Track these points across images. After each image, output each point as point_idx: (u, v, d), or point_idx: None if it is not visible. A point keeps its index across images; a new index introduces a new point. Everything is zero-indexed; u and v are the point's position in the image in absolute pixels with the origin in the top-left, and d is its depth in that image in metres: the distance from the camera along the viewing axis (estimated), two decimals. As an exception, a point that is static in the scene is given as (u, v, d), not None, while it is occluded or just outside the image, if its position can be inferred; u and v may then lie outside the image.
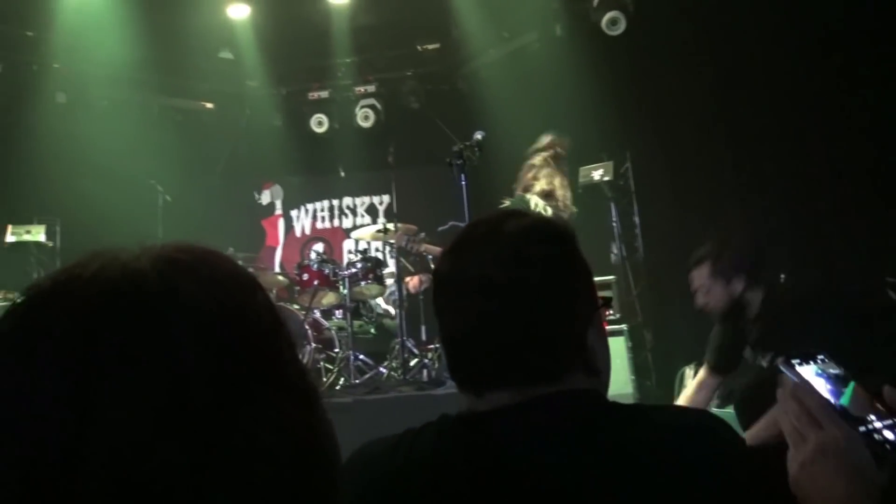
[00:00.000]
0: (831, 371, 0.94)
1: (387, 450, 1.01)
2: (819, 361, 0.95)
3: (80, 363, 0.48)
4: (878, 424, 0.87)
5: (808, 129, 5.14)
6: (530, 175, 4.34)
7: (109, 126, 6.96)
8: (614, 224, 6.02)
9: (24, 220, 6.25)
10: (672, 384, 5.15)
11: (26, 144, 6.55)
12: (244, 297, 0.58)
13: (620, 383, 4.82)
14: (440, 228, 4.30)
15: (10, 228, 6.16)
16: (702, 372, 3.27)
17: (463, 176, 3.68)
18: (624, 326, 5.05)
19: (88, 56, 6.98)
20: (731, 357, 3.15)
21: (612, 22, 5.98)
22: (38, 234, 6.19)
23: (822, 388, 0.91)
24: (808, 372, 0.94)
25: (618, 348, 4.91)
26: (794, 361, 0.95)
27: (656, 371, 5.46)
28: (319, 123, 7.82)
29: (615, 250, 5.94)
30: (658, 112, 6.14)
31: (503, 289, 0.97)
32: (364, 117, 7.71)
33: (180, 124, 7.78)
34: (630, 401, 4.78)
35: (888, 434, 0.86)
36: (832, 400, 0.90)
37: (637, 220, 6.14)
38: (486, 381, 0.98)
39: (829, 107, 5.02)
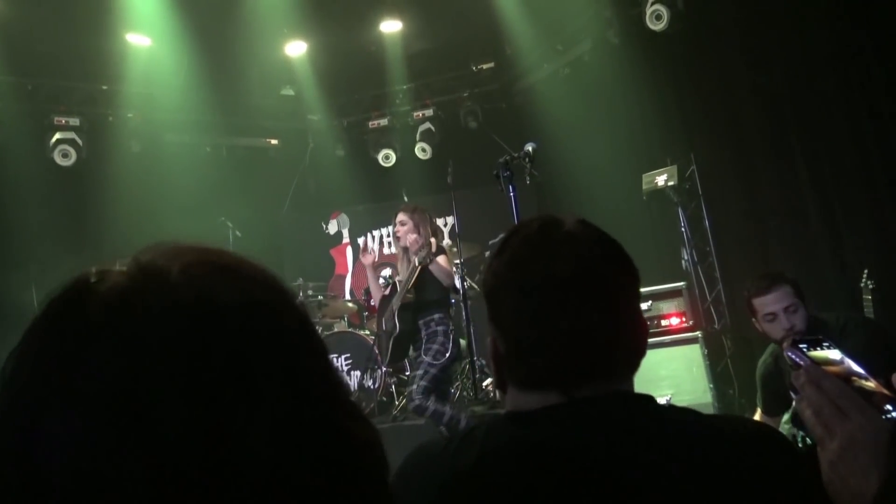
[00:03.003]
0: (834, 357, 0.87)
1: (446, 450, 1.02)
2: (825, 347, 0.88)
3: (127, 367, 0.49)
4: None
5: (883, 124, 4.87)
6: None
7: (180, 169, 7.27)
8: (683, 229, 5.84)
9: (107, 262, 6.53)
10: (755, 391, 4.93)
11: (107, 190, 6.89)
12: (270, 300, 0.57)
13: (699, 392, 4.65)
14: (491, 242, 4.29)
15: (93, 270, 6.44)
16: (757, 415, 3.24)
17: (511, 187, 3.64)
18: (698, 334, 4.87)
19: (158, 104, 7.33)
20: (780, 398, 3.11)
21: (657, 17, 5.85)
22: (119, 276, 6.45)
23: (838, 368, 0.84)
24: (819, 357, 0.88)
25: (693, 356, 4.74)
26: (802, 346, 0.88)
27: (738, 378, 5.24)
28: (386, 157, 7.97)
29: (685, 256, 5.76)
30: (722, 112, 5.96)
31: (603, 285, 1.01)
32: (421, 150, 7.81)
33: (247, 162, 8.05)
34: (710, 410, 4.61)
35: None
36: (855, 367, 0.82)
37: (707, 224, 5.94)
38: (575, 377, 0.99)
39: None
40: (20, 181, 6.51)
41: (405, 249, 4.68)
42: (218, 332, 0.51)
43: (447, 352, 4.43)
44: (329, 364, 0.59)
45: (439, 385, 4.47)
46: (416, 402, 4.31)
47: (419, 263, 4.42)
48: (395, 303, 4.64)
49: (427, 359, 4.41)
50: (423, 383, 4.34)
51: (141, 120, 7.32)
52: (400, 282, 4.76)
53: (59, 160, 6.81)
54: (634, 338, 1.03)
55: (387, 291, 4.93)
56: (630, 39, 6.36)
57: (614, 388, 1.00)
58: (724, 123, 5.94)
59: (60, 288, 0.54)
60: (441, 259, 4.50)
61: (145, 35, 6.83)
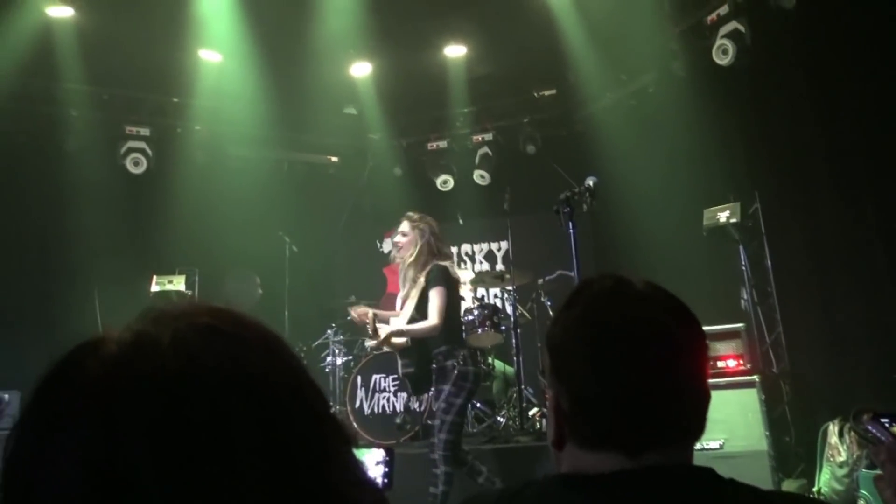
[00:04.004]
0: None
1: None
2: None
3: (101, 442, 0.49)
4: None
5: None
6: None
7: (243, 182, 7.44)
8: (744, 268, 5.69)
9: (167, 270, 6.72)
10: (814, 440, 4.75)
11: (171, 201, 7.09)
12: (267, 363, 0.57)
13: (754, 439, 4.49)
14: (548, 278, 4.21)
15: (154, 278, 6.64)
16: None
17: (571, 224, 3.59)
18: (756, 378, 4.71)
19: (225, 117, 7.53)
20: None
21: (723, 51, 5.77)
22: (179, 283, 6.62)
23: None
24: None
25: (749, 402, 4.59)
26: (884, 420, 0.85)
27: (795, 426, 5.06)
28: (445, 183, 8.01)
29: (745, 296, 5.61)
30: (788, 149, 5.82)
31: (675, 347, 0.99)
32: (480, 177, 7.83)
33: (307, 178, 8.20)
34: (764, 458, 4.45)
35: None
36: None
37: (769, 263, 5.77)
38: (641, 439, 0.97)
39: None
40: (90, 188, 6.75)
41: (406, 267, 4.33)
42: (201, 405, 0.51)
43: (462, 391, 4.03)
44: (327, 428, 0.58)
45: (461, 428, 4.11)
46: (438, 457, 3.95)
47: (423, 289, 4.13)
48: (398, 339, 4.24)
49: (441, 405, 4.03)
50: (442, 436, 3.97)
51: (207, 133, 7.53)
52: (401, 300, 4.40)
53: (130, 168, 7.06)
54: (701, 403, 1.02)
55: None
56: (696, 72, 6.28)
57: (678, 459, 0.98)
58: (789, 161, 5.79)
59: (54, 361, 0.56)
60: (434, 293, 4.11)
61: (217, 51, 7.03)
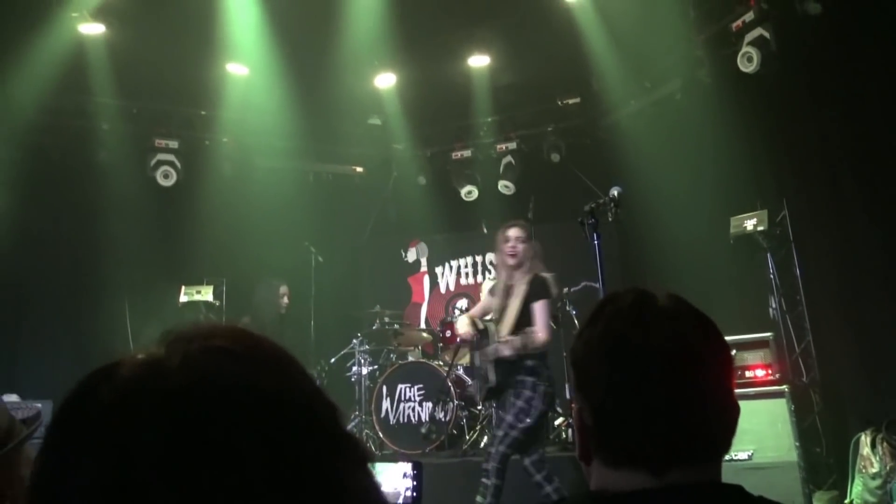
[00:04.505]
0: None
1: None
2: None
3: (115, 470, 0.51)
4: None
5: None
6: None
7: (269, 193, 7.53)
8: (772, 276, 5.63)
9: (195, 280, 6.82)
10: (845, 450, 4.68)
11: (198, 212, 7.19)
12: (279, 383, 0.58)
13: (784, 450, 4.43)
14: (573, 289, 4.20)
15: (183, 289, 6.73)
16: None
17: (596, 235, 3.58)
18: (785, 388, 4.66)
19: (252, 129, 7.64)
20: None
21: (748, 59, 5.73)
22: (206, 293, 6.71)
23: None
24: None
25: (779, 412, 4.53)
26: None
27: (826, 436, 4.99)
28: (469, 193, 8.04)
29: (773, 304, 5.55)
30: (816, 156, 5.75)
31: (698, 362, 0.99)
32: (504, 187, 7.84)
33: (332, 188, 8.27)
34: (794, 470, 4.39)
35: None
36: None
37: (798, 271, 5.71)
38: (666, 456, 0.97)
39: None
40: (120, 200, 6.88)
41: (510, 273, 4.27)
42: (210, 427, 0.52)
43: (532, 410, 3.98)
44: (342, 449, 0.59)
45: (523, 446, 4.04)
46: (492, 468, 3.93)
47: (525, 298, 4.08)
48: (492, 351, 4.19)
49: (509, 418, 4.00)
50: (502, 448, 3.94)
51: (234, 145, 7.63)
52: (491, 317, 4.34)
53: (160, 180, 7.17)
54: (727, 418, 1.02)
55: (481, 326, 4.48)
56: (721, 79, 6.24)
57: (706, 476, 0.97)
58: (818, 168, 5.72)
59: (71, 389, 0.58)
60: (540, 307, 4.09)
61: (244, 64, 7.14)
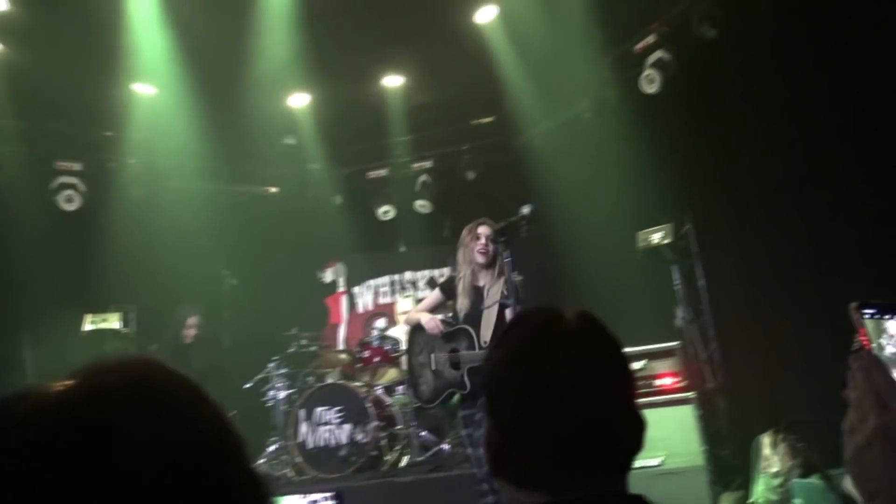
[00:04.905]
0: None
1: None
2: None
3: None
4: None
5: (878, 180, 4.92)
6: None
7: (180, 215, 7.31)
8: (677, 287, 5.85)
9: (101, 308, 6.54)
10: (750, 453, 4.89)
11: (105, 237, 6.91)
12: (183, 414, 0.58)
13: (691, 455, 4.59)
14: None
15: (88, 317, 6.46)
16: None
17: (508, 253, 3.65)
18: (693, 395, 4.83)
19: (161, 150, 7.41)
20: None
21: (650, 80, 6.01)
22: (113, 321, 6.46)
23: None
24: (888, 329, 0.87)
25: (687, 418, 4.70)
26: (868, 312, 0.87)
27: (732, 439, 5.19)
28: (386, 213, 8.04)
29: (680, 314, 5.76)
30: (718, 171, 6.04)
31: (599, 389, 1.01)
32: (421, 206, 7.89)
33: (247, 209, 8.11)
34: (702, 474, 4.55)
35: None
36: None
37: (702, 282, 5.95)
38: (567, 480, 0.99)
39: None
40: (20, 225, 6.54)
41: (477, 273, 4.21)
42: (103, 459, 0.52)
43: None
44: (241, 482, 0.59)
45: None
46: (488, 488, 3.93)
47: (502, 303, 4.01)
48: (466, 357, 4.17)
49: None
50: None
51: (142, 166, 7.38)
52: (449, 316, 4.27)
53: (63, 204, 6.83)
54: (632, 436, 1.04)
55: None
56: (628, 99, 6.48)
57: (608, 488, 1.00)
58: (720, 183, 6.01)
59: None
60: (511, 313, 3.92)
61: (150, 84, 6.95)
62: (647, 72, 6.05)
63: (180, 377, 0.62)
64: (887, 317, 0.88)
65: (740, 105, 5.79)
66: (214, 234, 7.28)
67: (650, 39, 6.23)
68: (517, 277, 4.09)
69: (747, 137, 5.77)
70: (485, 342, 4.14)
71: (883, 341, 0.86)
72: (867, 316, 0.87)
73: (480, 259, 4.28)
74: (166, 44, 6.45)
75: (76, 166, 7.00)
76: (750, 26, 5.61)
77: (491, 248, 4.24)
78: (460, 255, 4.40)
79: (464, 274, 4.34)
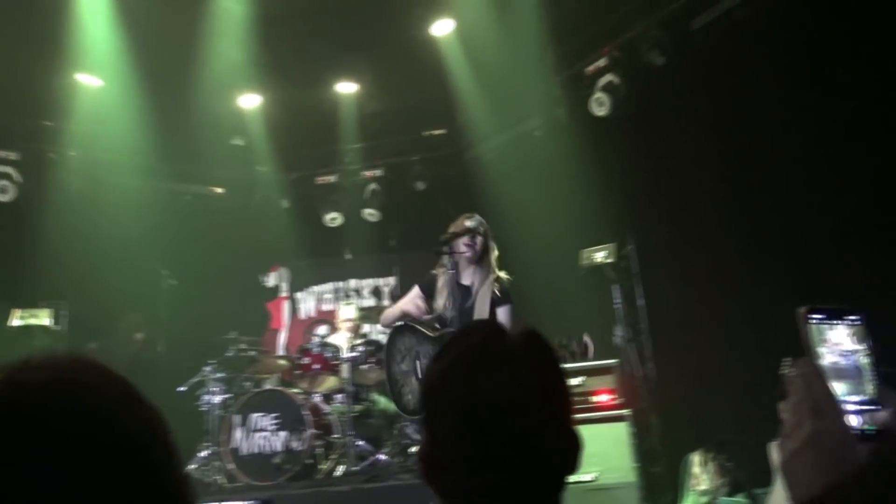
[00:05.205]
0: (853, 346, 0.89)
1: None
2: (848, 322, 0.90)
3: None
4: (852, 404, 0.84)
5: (814, 202, 5.11)
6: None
7: (121, 211, 7.12)
8: (617, 306, 5.96)
9: (31, 304, 6.31)
10: (681, 470, 5.00)
11: (40, 230, 6.67)
12: (110, 416, 0.57)
13: (623, 471, 4.66)
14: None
15: (16, 312, 6.22)
16: None
17: (452, 264, 3.67)
18: (627, 412, 4.93)
19: (104, 144, 7.21)
20: None
21: (599, 103, 6.16)
22: (43, 317, 6.24)
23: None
24: (832, 336, 0.89)
25: (621, 435, 4.77)
26: (815, 317, 0.90)
27: (665, 456, 5.30)
28: (333, 220, 7.98)
29: (619, 333, 5.86)
30: (661, 194, 6.19)
31: (535, 412, 1.00)
32: (369, 214, 7.87)
33: (190, 209, 7.95)
34: (633, 490, 4.63)
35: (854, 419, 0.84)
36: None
37: (641, 302, 6.08)
38: (495, 499, 0.99)
39: (833, 179, 4.97)
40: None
41: (461, 269, 4.06)
42: (31, 455, 0.52)
43: None
44: (168, 484, 0.58)
45: None
46: None
47: (492, 302, 3.90)
48: None
49: None
50: None
51: (83, 159, 7.17)
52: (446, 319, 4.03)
53: (-5, 194, 6.60)
54: (565, 456, 1.04)
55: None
56: (577, 119, 6.61)
57: None
58: (663, 206, 6.16)
59: None
60: (506, 313, 3.89)
61: (97, 76, 6.77)
62: (598, 94, 6.19)
63: (114, 377, 0.60)
64: (835, 321, 0.90)
65: (685, 131, 5.96)
66: (155, 233, 7.11)
67: (602, 63, 6.37)
68: (507, 276, 4.06)
69: (690, 163, 5.94)
70: None
71: (823, 349, 0.88)
72: (814, 322, 0.89)
73: (465, 252, 4.10)
74: (115, 35, 6.30)
75: (12, 156, 6.77)
76: (697, 56, 5.81)
77: (478, 241, 4.08)
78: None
79: (447, 272, 4.12)
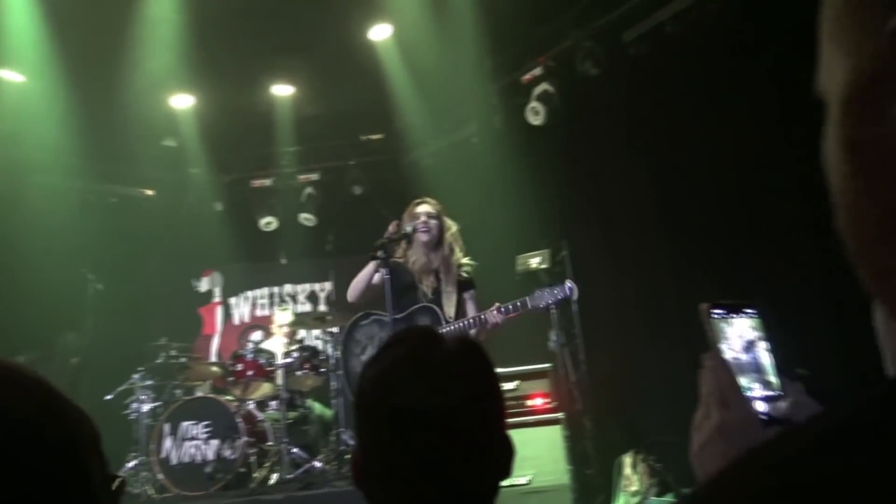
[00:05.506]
0: (737, 333, 0.91)
1: None
2: (741, 316, 0.92)
3: None
4: (756, 394, 0.86)
5: (743, 206, 5.30)
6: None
7: (43, 213, 6.84)
8: (552, 311, 6.06)
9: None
10: (613, 472, 5.11)
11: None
12: (31, 425, 0.56)
13: (557, 474, 4.75)
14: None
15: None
16: None
17: (386, 270, 3.68)
18: (561, 415, 5.01)
19: (26, 142, 6.92)
20: None
21: (534, 112, 6.27)
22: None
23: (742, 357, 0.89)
24: (733, 330, 0.91)
25: (555, 438, 4.86)
26: (717, 312, 0.92)
27: (597, 459, 5.41)
28: (268, 224, 7.86)
29: (553, 337, 5.95)
30: (595, 201, 6.34)
31: (465, 422, 1.00)
32: (306, 219, 7.79)
33: (118, 211, 7.69)
34: (567, 493, 4.71)
35: (761, 406, 0.86)
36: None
37: (575, 307, 6.19)
38: (441, 499, 1.00)
39: (759, 184, 5.18)
40: None
41: (421, 255, 4.08)
42: None
43: None
44: (94, 495, 0.57)
45: None
46: None
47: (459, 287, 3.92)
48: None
49: None
50: None
51: (4, 159, 6.87)
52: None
53: None
54: (494, 466, 1.05)
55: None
56: (513, 127, 6.70)
57: None
58: (596, 213, 6.30)
59: None
60: (472, 297, 3.96)
61: (18, 71, 6.50)
62: (533, 104, 6.30)
63: (37, 386, 0.59)
64: (734, 316, 0.93)
65: (618, 139, 6.12)
66: (81, 235, 6.85)
67: (537, 72, 6.48)
68: (470, 262, 4.15)
69: (622, 170, 6.11)
70: (450, 317, 4.01)
71: (723, 346, 0.91)
72: (716, 317, 0.91)
73: (423, 238, 4.14)
74: (38, 29, 6.06)
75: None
76: (630, 66, 5.97)
77: (433, 224, 4.14)
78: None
79: (382, 277, 4.05)
